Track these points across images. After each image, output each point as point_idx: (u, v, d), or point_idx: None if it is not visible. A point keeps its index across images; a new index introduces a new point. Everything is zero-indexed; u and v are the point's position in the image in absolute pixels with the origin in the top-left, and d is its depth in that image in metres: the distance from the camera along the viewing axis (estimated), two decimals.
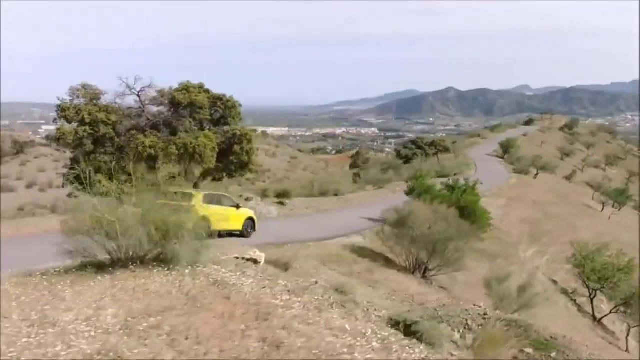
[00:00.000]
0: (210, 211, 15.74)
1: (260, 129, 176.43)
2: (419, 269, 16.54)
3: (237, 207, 17.80)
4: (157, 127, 21.43)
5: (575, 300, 30.01)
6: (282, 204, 26.42)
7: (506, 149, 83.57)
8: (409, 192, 26.21)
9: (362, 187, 45.34)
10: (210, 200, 16.74)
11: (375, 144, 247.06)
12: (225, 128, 23.90)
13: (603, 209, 53.65)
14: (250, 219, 18.17)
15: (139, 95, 21.28)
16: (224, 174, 27.42)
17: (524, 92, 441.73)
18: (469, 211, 23.66)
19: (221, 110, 23.71)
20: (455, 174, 57.50)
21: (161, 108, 22.24)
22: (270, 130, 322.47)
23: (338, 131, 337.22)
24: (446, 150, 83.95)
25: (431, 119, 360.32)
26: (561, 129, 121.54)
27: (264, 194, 29.04)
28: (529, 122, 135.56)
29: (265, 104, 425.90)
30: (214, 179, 28.07)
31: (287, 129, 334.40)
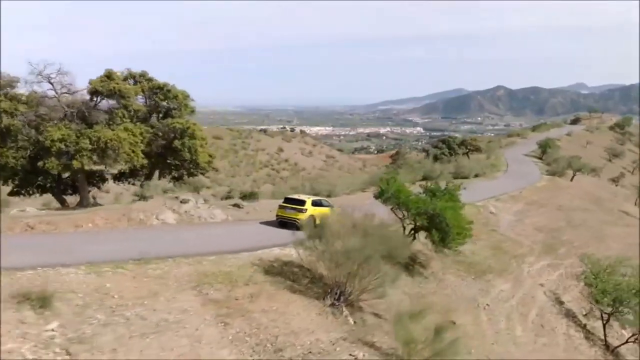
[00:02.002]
0: (316, 211, 20.95)
1: (298, 128, 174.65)
2: (331, 294, 12.98)
3: (331, 206, 22.27)
4: (72, 118, 18.84)
5: (585, 326, 25.23)
6: (238, 206, 23.29)
7: (544, 149, 76.74)
8: (378, 196, 22.42)
9: (364, 187, 41.47)
10: (315, 203, 21.82)
11: (420, 143, 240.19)
12: (166, 121, 21.04)
13: None
14: None
15: (51, 83, 18.78)
16: (184, 173, 24.74)
17: (579, 91, 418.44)
18: (440, 220, 19.62)
19: (161, 100, 20.86)
20: (476, 175, 52.58)
21: (81, 97, 19.60)
22: (315, 129, 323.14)
23: (382, 130, 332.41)
24: (477, 150, 78.69)
25: (479, 119, 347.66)
26: (611, 128, 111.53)
27: (228, 195, 26.05)
28: (575, 121, 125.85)
29: (313, 104, 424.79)
30: (174, 178, 25.44)
31: (331, 128, 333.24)
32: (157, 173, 24.81)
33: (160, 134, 20.63)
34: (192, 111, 22.76)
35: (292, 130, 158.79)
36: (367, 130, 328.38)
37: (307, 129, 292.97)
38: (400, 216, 21.18)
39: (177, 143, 20.57)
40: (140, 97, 20.87)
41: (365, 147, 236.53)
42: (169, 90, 20.93)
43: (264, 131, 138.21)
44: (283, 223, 20.61)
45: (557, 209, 41.57)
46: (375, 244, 12.84)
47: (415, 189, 25.63)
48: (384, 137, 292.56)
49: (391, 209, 24.01)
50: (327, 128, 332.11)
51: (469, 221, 21.47)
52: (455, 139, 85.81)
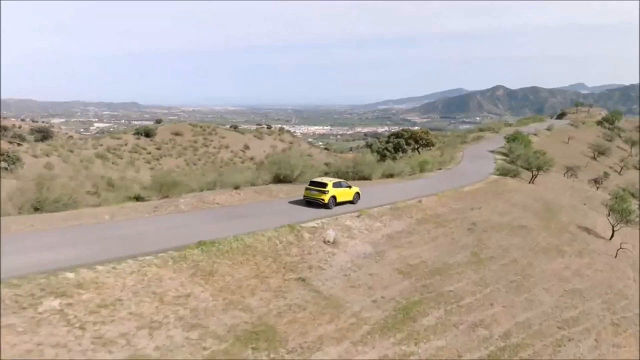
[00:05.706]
0: (337, 191, 24.06)
1: (277, 126, 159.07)
2: None
3: (350, 187, 25.11)
4: None
5: None
6: None
7: (510, 145, 60.63)
8: None
9: (252, 181, 26.42)
10: (335, 185, 24.23)
11: None
12: None
13: (613, 235, 30.33)
14: (357, 193, 25.27)
15: None
16: None
17: (579, 90, 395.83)
18: None
19: None
20: (390, 175, 36.52)
21: None
22: (313, 128, 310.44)
23: (380, 130, 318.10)
24: (430, 144, 63.39)
25: (478, 118, 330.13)
26: (599, 122, 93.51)
27: None
28: (561, 116, 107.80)
29: (314, 103, 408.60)
30: None
31: (329, 127, 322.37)
32: None
33: None
34: None
35: (269, 127, 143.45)
36: (365, 130, 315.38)
37: (305, 128, 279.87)
38: None
39: None
40: None
41: (362, 146, 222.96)
42: None
43: (234, 127, 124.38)
44: (309, 202, 23.67)
45: (468, 228, 25.09)
46: None
47: None
48: (381, 137, 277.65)
49: None
50: (325, 127, 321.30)
51: None
52: (409, 132, 69.62)
